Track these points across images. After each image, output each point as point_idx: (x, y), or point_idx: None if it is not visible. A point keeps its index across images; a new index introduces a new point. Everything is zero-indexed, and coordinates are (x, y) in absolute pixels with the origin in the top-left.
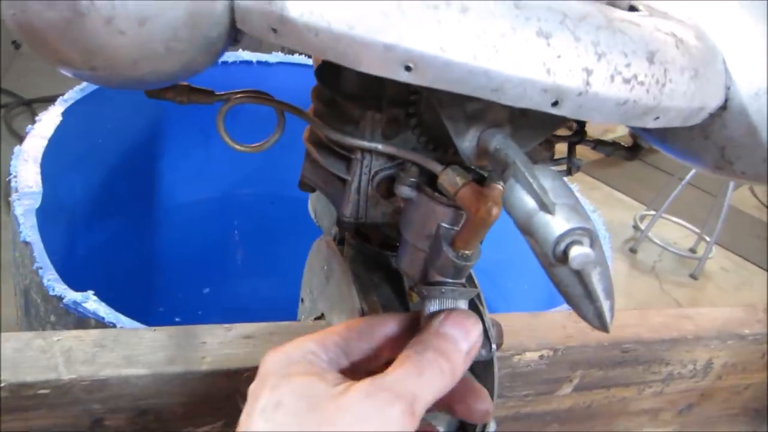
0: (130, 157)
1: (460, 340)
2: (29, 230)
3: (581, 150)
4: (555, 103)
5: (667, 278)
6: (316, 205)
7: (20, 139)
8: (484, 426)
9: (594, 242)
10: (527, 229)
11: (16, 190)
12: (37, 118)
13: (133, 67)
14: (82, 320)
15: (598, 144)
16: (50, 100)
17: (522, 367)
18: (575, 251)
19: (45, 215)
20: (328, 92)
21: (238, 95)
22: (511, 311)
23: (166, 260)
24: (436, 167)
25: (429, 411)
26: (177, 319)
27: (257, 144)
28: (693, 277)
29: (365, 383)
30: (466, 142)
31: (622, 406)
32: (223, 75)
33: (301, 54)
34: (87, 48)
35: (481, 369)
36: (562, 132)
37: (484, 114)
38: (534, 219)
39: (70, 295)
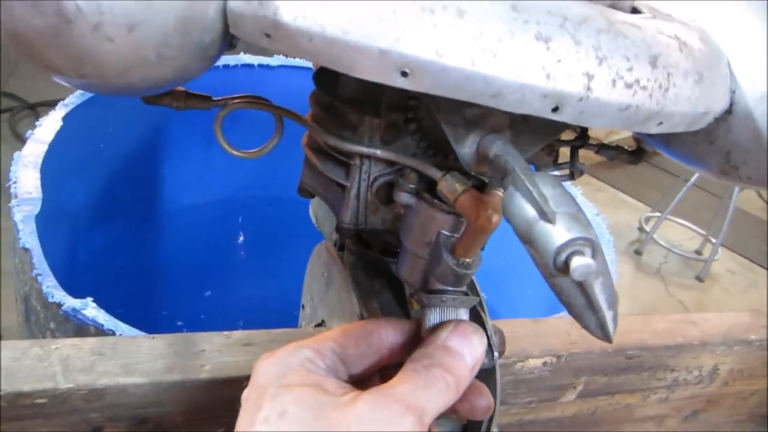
0: (132, 162)
1: (465, 354)
2: (28, 236)
3: (584, 152)
4: (555, 109)
5: (673, 280)
6: (317, 210)
7: (24, 143)
8: (488, 430)
9: (596, 252)
10: (527, 239)
11: (16, 196)
12: (37, 123)
13: (123, 75)
14: (81, 327)
15: (601, 148)
16: (54, 103)
17: (525, 374)
18: (576, 262)
19: (47, 220)
20: (327, 97)
21: (236, 100)
22: (515, 316)
23: (168, 264)
24: (435, 173)
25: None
26: (179, 323)
27: (255, 150)
28: (699, 279)
29: (373, 394)
30: (466, 148)
31: (627, 412)
32: (224, 78)
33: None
34: (75, 55)
35: (483, 376)
36: (565, 136)
37: (483, 119)
38: (534, 228)
39: (70, 302)
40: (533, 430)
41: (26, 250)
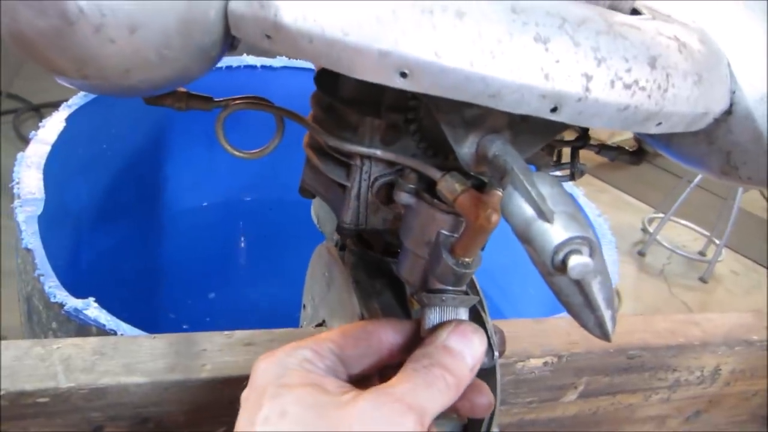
0: (135, 163)
1: (465, 354)
2: (31, 237)
3: (587, 153)
4: (554, 109)
5: (677, 281)
6: (318, 211)
7: (28, 144)
8: (489, 430)
9: (593, 251)
10: (525, 238)
11: (19, 197)
12: (40, 124)
13: (125, 76)
14: (83, 327)
15: (602, 148)
16: (59, 105)
17: (526, 374)
18: (574, 261)
19: (50, 221)
20: (327, 98)
21: (237, 101)
22: (517, 316)
23: (172, 266)
24: (435, 173)
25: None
26: (185, 326)
27: (256, 150)
28: (702, 280)
29: (373, 393)
30: (465, 149)
31: (629, 412)
32: (227, 80)
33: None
34: (78, 56)
35: (483, 376)
36: (567, 136)
37: (483, 120)
38: (532, 227)
39: (71, 302)
40: (534, 429)
41: (29, 250)
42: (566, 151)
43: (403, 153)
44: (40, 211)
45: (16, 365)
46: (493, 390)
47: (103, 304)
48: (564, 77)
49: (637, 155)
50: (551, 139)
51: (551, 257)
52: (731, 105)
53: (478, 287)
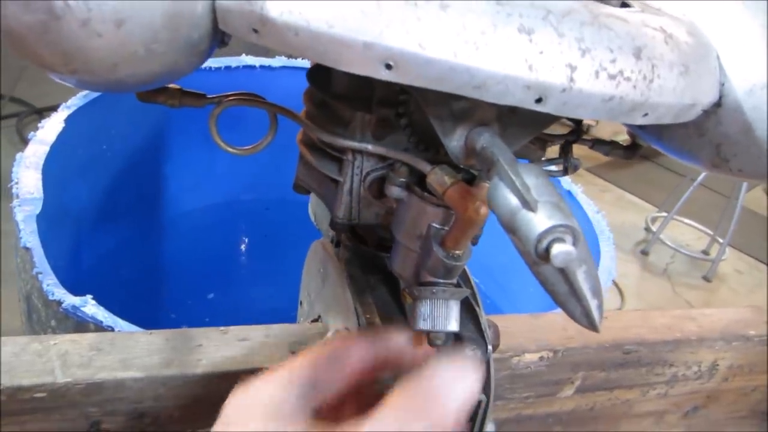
0: (135, 164)
1: (451, 393)
2: (29, 236)
3: (591, 152)
4: (539, 100)
5: (680, 280)
6: (316, 208)
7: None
8: (481, 429)
9: (577, 240)
10: (510, 228)
11: (17, 196)
12: (39, 125)
13: (113, 70)
14: (81, 324)
15: (595, 143)
16: None
17: (522, 369)
18: (557, 249)
19: (49, 222)
20: (320, 94)
21: (230, 98)
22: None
23: (171, 266)
24: (425, 167)
25: None
26: (184, 326)
27: (250, 146)
28: (706, 279)
29: None
30: (454, 141)
31: (626, 408)
32: (226, 80)
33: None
34: (65, 51)
35: None
36: (563, 130)
37: (471, 113)
38: (517, 217)
39: (69, 300)
40: (532, 425)
41: (27, 249)
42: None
43: (394, 147)
44: (38, 210)
45: (14, 361)
46: (487, 384)
47: (104, 304)
48: (548, 68)
49: (630, 150)
50: (540, 132)
51: (535, 246)
52: (720, 97)
53: (471, 281)
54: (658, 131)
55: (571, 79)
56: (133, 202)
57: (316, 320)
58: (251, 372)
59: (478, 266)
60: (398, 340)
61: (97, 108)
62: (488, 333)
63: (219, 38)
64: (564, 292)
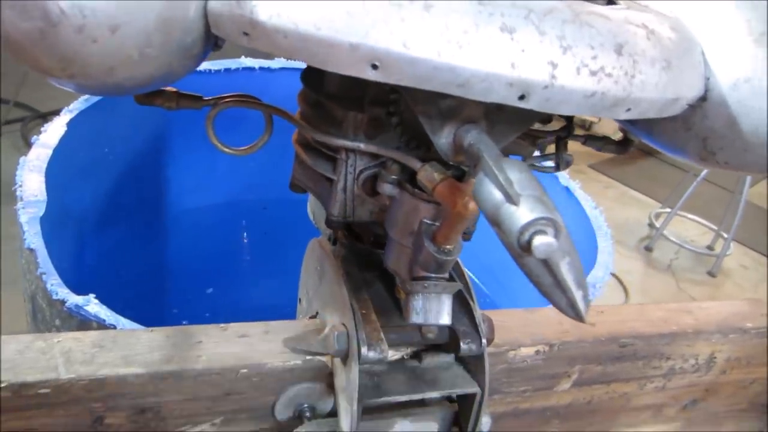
0: (137, 165)
1: None
2: (33, 237)
3: (593, 150)
4: (522, 97)
5: (684, 276)
6: (314, 207)
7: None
8: (476, 421)
9: (558, 232)
10: (494, 221)
11: (21, 199)
12: (42, 128)
13: (109, 74)
14: (84, 323)
15: (588, 139)
16: None
17: (518, 363)
18: (539, 240)
19: (53, 223)
20: (313, 95)
21: (226, 99)
22: None
23: (173, 265)
24: (415, 164)
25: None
26: (184, 323)
27: (246, 147)
28: (711, 274)
29: None
30: (443, 139)
31: (624, 401)
32: (226, 81)
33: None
34: (62, 56)
35: (472, 363)
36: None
37: (458, 110)
38: (500, 210)
39: (73, 299)
40: (530, 418)
41: (31, 250)
42: (571, 146)
43: (386, 145)
44: (42, 212)
45: (18, 358)
46: (482, 377)
47: (107, 302)
48: (530, 65)
49: (623, 145)
50: (527, 128)
51: (517, 238)
52: (706, 91)
53: (466, 276)
54: (648, 126)
55: (553, 76)
56: (134, 203)
57: (314, 317)
58: (251, 368)
59: (479, 265)
60: None
61: (99, 111)
62: (482, 327)
63: (212, 42)
64: (549, 284)
